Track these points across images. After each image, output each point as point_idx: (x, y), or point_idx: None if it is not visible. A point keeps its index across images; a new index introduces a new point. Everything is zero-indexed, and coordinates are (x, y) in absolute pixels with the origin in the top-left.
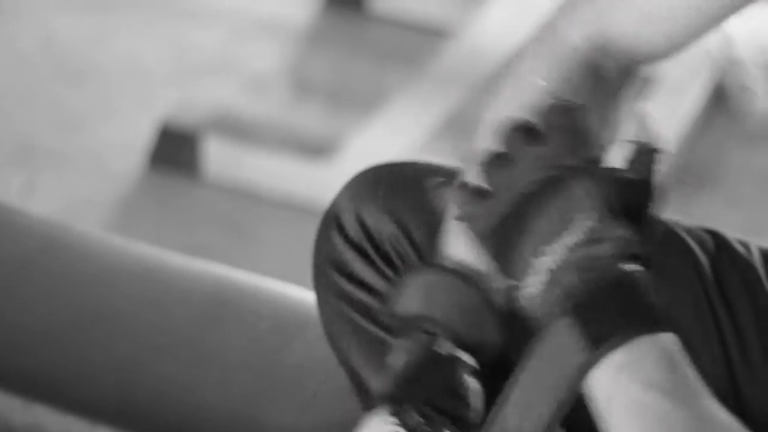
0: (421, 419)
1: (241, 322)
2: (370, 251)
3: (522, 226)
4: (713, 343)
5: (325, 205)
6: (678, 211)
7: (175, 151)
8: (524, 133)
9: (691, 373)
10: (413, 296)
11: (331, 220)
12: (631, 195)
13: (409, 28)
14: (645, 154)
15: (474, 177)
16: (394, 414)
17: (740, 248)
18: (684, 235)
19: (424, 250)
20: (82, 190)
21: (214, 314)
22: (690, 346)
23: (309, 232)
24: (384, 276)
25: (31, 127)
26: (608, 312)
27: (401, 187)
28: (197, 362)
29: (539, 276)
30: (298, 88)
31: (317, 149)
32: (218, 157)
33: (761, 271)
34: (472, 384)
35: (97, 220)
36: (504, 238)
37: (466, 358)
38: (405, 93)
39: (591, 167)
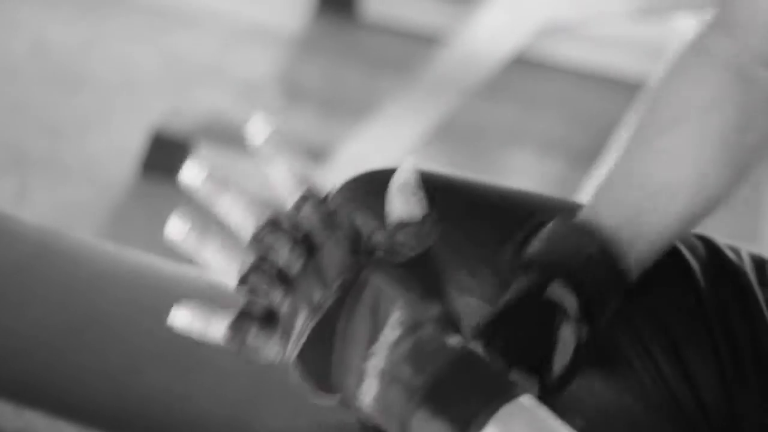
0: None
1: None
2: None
3: (333, 340)
4: (706, 350)
5: None
6: None
7: (167, 157)
8: (291, 242)
9: (556, 424)
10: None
11: None
12: (422, 270)
13: (400, 36)
14: (413, 227)
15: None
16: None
17: (731, 254)
18: (676, 242)
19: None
20: (74, 197)
21: None
22: (682, 353)
23: None
24: None
25: (23, 134)
26: (463, 393)
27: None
28: (190, 368)
29: (372, 380)
30: (290, 95)
31: (309, 156)
32: (210, 164)
33: (752, 277)
34: (566, 335)
35: (89, 226)
36: (319, 358)
37: (570, 304)
38: (397, 100)
39: (375, 260)
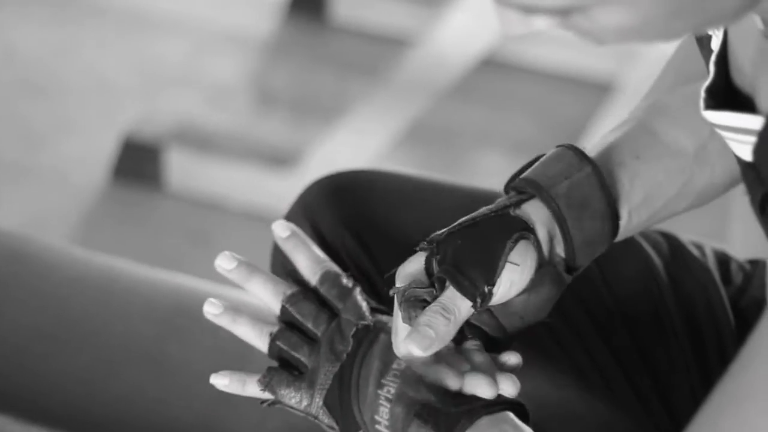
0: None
1: (202, 330)
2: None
3: (350, 383)
4: (669, 345)
5: None
6: None
7: (138, 163)
8: (312, 304)
9: None
10: None
11: None
12: None
13: (370, 38)
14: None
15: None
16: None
17: (695, 251)
18: (639, 239)
19: (383, 263)
20: (45, 204)
21: (177, 323)
22: (647, 350)
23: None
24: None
25: None
26: (447, 407)
27: (357, 196)
28: (160, 372)
29: (385, 406)
30: (261, 99)
31: (280, 159)
32: (181, 168)
33: (715, 273)
34: (522, 250)
35: (60, 233)
36: (342, 402)
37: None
38: (367, 102)
39: (382, 324)
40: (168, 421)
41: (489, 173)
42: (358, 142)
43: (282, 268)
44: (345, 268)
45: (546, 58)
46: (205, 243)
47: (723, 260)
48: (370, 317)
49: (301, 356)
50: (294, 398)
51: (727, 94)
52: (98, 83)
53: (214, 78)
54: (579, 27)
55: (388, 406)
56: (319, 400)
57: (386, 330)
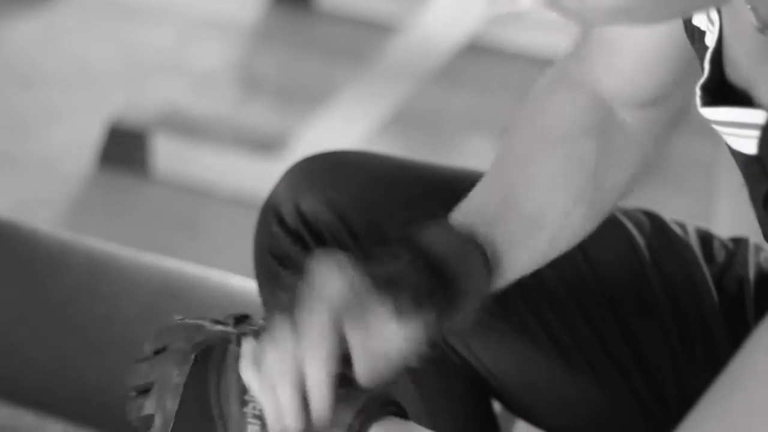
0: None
1: (187, 313)
2: (309, 240)
3: (205, 404)
4: (652, 324)
5: None
6: (626, 199)
7: (124, 150)
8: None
9: None
10: None
11: (270, 211)
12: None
13: (355, 24)
14: (243, 320)
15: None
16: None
17: (677, 229)
18: (622, 217)
19: (363, 240)
20: (32, 191)
21: (162, 307)
22: (629, 328)
23: None
24: None
25: None
26: (339, 411)
27: (340, 177)
28: None
29: (253, 423)
30: (247, 86)
31: (267, 145)
32: (168, 155)
33: (698, 251)
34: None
35: (48, 220)
36: (199, 423)
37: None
38: (353, 88)
39: (226, 334)
40: None
41: (475, 157)
42: (345, 127)
43: (266, 249)
44: (328, 249)
45: (531, 41)
46: (192, 229)
47: (705, 238)
48: (206, 334)
49: (149, 410)
50: None
51: (722, 91)
52: (84, 71)
53: (200, 64)
54: (566, 7)
55: (258, 423)
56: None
57: (234, 340)
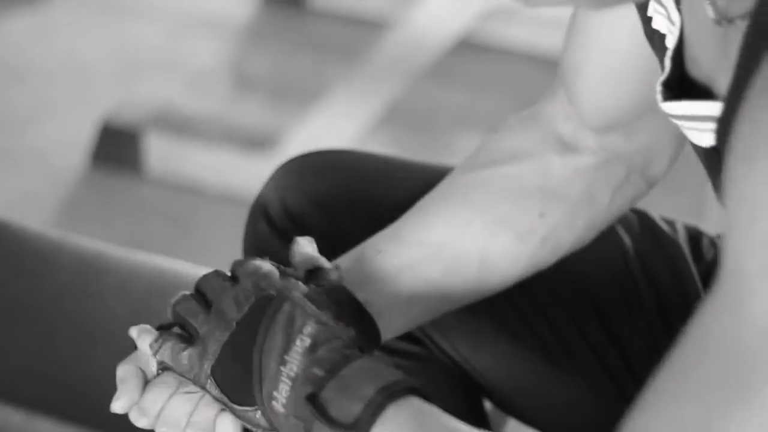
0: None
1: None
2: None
3: (250, 356)
4: (638, 322)
5: None
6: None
7: (117, 147)
8: (219, 277)
9: (445, 419)
10: None
11: (258, 211)
12: (335, 299)
13: (347, 22)
14: (316, 273)
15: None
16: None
17: (666, 227)
18: None
19: (352, 239)
20: (24, 189)
21: (153, 305)
22: (615, 326)
23: None
24: None
25: None
26: (352, 391)
27: (328, 176)
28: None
29: (286, 384)
30: (239, 84)
31: (259, 143)
32: (160, 153)
33: (686, 248)
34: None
35: (40, 217)
36: (235, 373)
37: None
38: (345, 85)
39: (292, 285)
40: None
41: (467, 154)
42: (337, 125)
43: (254, 248)
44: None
45: (523, 38)
46: (184, 227)
47: (694, 236)
48: (269, 285)
49: (196, 323)
50: (183, 365)
51: (683, 86)
52: (77, 68)
53: (192, 62)
54: None
55: (289, 384)
56: (207, 369)
57: (291, 299)
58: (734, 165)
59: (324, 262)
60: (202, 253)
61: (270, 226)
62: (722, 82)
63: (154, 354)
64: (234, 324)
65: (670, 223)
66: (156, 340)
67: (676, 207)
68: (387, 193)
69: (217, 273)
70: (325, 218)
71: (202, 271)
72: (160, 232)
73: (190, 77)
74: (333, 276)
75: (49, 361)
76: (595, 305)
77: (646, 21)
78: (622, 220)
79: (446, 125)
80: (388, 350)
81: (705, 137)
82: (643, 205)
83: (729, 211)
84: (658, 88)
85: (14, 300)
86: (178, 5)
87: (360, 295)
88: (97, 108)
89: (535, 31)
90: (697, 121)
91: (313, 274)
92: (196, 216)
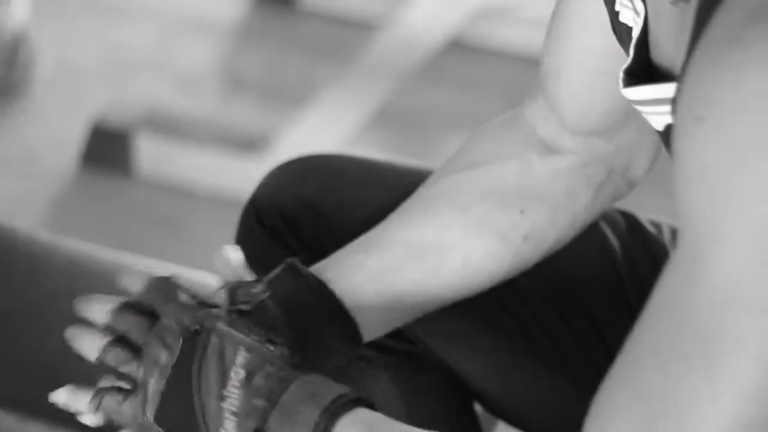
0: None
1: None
2: (292, 242)
3: (190, 392)
4: (625, 323)
5: None
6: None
7: (107, 149)
8: (134, 313)
9: (395, 425)
10: None
11: (251, 213)
12: (261, 318)
13: (338, 23)
14: (238, 288)
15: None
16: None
17: (652, 228)
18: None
19: (342, 239)
20: (14, 190)
21: None
22: (604, 327)
23: None
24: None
25: None
26: (296, 418)
27: (320, 179)
28: None
29: (230, 419)
30: (230, 85)
31: (250, 144)
32: (150, 154)
33: (671, 250)
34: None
35: (30, 219)
36: (180, 412)
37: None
38: (336, 86)
39: (215, 314)
40: None
41: None
42: (328, 126)
43: (246, 252)
44: (310, 249)
45: (514, 39)
46: (175, 229)
47: None
48: (192, 320)
49: (131, 371)
50: (127, 416)
51: (647, 73)
52: (67, 69)
53: (183, 63)
54: None
55: (234, 420)
56: (151, 417)
57: (217, 331)
58: (680, 128)
59: (248, 274)
60: (192, 254)
61: (264, 229)
62: (680, 62)
63: (95, 411)
64: (169, 368)
65: (657, 226)
66: (93, 397)
67: (664, 209)
68: (377, 195)
69: (130, 306)
70: (318, 221)
71: (193, 273)
72: (150, 234)
73: (180, 78)
74: (257, 290)
75: (40, 363)
76: (583, 306)
77: (614, 15)
78: (610, 223)
79: (437, 125)
80: (381, 349)
81: (665, 120)
82: (631, 207)
83: (678, 180)
84: (621, 75)
85: (4, 302)
86: (168, 6)
87: (342, 296)
88: (87, 109)
89: (526, 32)
90: (657, 104)
91: (236, 290)
92: (187, 217)
